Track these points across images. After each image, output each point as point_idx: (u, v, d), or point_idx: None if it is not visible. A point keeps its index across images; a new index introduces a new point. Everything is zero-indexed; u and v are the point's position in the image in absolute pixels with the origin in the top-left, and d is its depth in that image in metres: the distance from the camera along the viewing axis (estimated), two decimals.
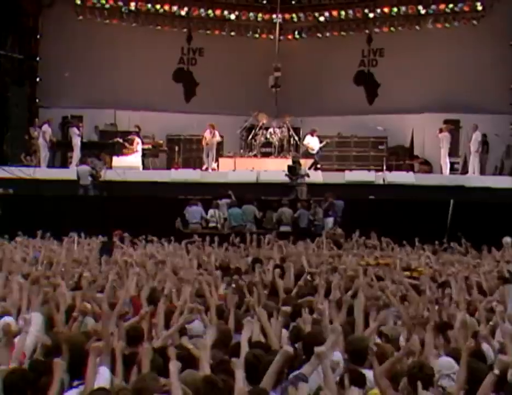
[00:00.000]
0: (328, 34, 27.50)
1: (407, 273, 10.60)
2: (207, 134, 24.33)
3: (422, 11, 25.87)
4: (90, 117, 25.67)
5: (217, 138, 24.45)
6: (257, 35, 28.11)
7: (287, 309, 6.96)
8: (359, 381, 5.46)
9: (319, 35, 27.64)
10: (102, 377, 5.41)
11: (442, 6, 25.64)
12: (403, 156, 25.74)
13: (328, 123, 25.63)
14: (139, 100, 25.68)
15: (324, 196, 19.65)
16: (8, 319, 6.89)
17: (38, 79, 25.56)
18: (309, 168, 22.85)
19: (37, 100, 25.58)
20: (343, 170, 23.80)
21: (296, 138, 25.05)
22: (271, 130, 24.70)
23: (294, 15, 27.74)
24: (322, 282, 8.80)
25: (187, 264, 11.48)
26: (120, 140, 24.00)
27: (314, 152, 24.22)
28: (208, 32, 27.60)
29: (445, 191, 21.08)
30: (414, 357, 5.99)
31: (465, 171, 24.18)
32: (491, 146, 24.27)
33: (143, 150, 24.23)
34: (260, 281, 9.16)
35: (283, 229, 18.88)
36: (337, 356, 6.05)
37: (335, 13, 26.93)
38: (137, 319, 7.05)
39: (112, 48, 25.98)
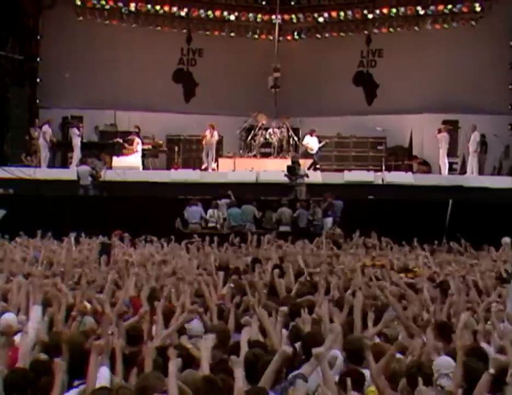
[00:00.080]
0: (327, 35, 27.52)
1: (402, 275, 10.63)
2: (207, 134, 24.41)
3: (421, 12, 25.86)
4: (90, 117, 25.71)
5: (216, 138, 24.51)
6: (256, 36, 28.13)
7: (285, 309, 6.98)
8: (358, 381, 5.47)
9: (319, 36, 27.66)
10: (103, 376, 5.44)
11: (441, 7, 25.63)
12: (401, 156, 25.77)
13: (327, 124, 25.65)
14: (139, 100, 25.71)
15: (323, 196, 19.69)
16: (9, 316, 6.95)
17: (38, 80, 25.57)
18: (309, 168, 22.88)
19: (37, 101, 25.60)
20: (342, 170, 23.81)
21: (296, 138, 25.08)
22: (270, 130, 24.72)
23: (293, 16, 27.76)
24: (322, 282, 8.83)
25: (186, 264, 11.52)
26: (120, 141, 24.05)
27: (314, 152, 24.26)
28: (208, 32, 27.60)
29: (444, 191, 21.12)
30: (412, 356, 6.05)
31: (463, 171, 24.22)
32: (489, 146, 24.31)
33: (143, 150, 24.26)
34: (259, 281, 9.21)
35: (283, 229, 18.92)
36: (336, 353, 6.09)
37: (334, 14, 26.94)
38: (136, 319, 7.12)
39: (112, 48, 25.99)
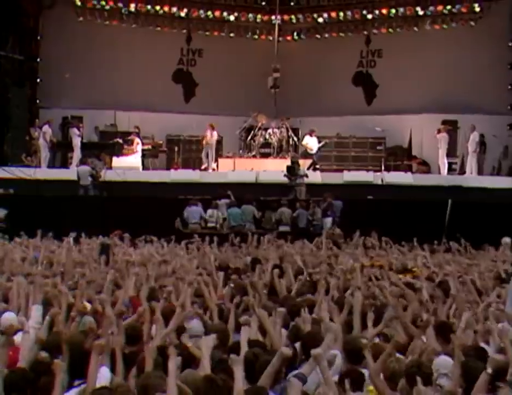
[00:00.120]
0: (326, 35, 27.56)
1: (401, 275, 10.65)
2: (207, 134, 24.45)
3: (420, 13, 25.87)
4: (90, 117, 25.74)
5: (215, 138, 24.55)
6: (256, 37, 28.16)
7: (282, 310, 6.97)
8: (358, 381, 5.48)
9: (318, 36, 27.69)
10: (103, 376, 5.45)
11: (440, 8, 25.63)
12: (401, 157, 25.80)
13: (326, 124, 25.67)
14: (139, 100, 25.74)
15: (323, 196, 19.72)
16: (9, 315, 6.98)
17: (38, 80, 25.59)
18: (308, 169, 22.89)
19: (37, 101, 25.62)
20: (341, 170, 23.86)
21: (295, 139, 25.12)
22: (270, 130, 24.77)
23: (292, 16, 27.81)
24: (322, 281, 8.85)
25: (186, 264, 11.55)
26: (120, 141, 24.09)
27: (313, 152, 24.28)
28: (207, 33, 27.63)
29: (443, 191, 21.15)
30: (413, 356, 6.07)
31: (462, 171, 24.25)
32: (488, 146, 24.36)
33: (143, 150, 24.27)
34: (259, 280, 9.24)
35: (282, 229, 18.96)
36: (336, 352, 6.09)
37: (333, 14, 26.98)
38: (135, 317, 7.14)
39: (112, 49, 26.02)
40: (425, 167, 25.41)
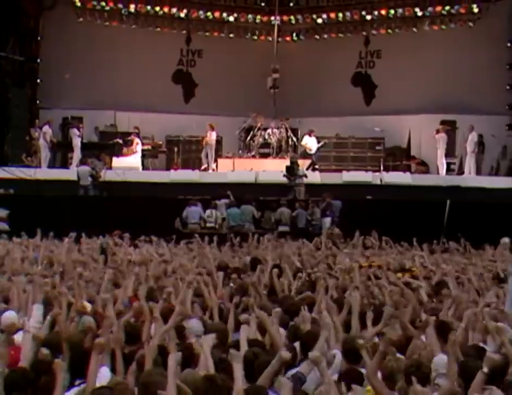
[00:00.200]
0: (325, 36, 27.57)
1: (399, 275, 10.68)
2: (207, 135, 24.50)
3: (419, 13, 25.88)
4: (90, 118, 25.78)
5: (214, 138, 24.59)
6: (255, 37, 28.19)
7: (278, 310, 6.99)
8: (357, 380, 5.49)
9: (317, 37, 27.72)
10: (103, 376, 5.48)
11: (439, 8, 25.65)
12: (400, 157, 25.82)
13: (325, 124, 25.72)
14: (139, 101, 25.77)
15: (322, 196, 19.75)
16: (10, 314, 7.02)
17: (38, 81, 25.64)
18: (307, 169, 22.90)
19: (38, 101, 25.67)
20: (340, 170, 23.89)
21: (294, 139, 25.14)
22: (269, 131, 24.78)
23: (292, 17, 27.81)
24: (321, 281, 8.87)
25: (186, 264, 11.58)
26: (120, 141, 24.13)
27: (312, 152, 24.32)
28: (207, 33, 27.65)
29: (442, 191, 21.18)
30: (412, 355, 6.10)
31: (461, 171, 24.28)
32: (487, 146, 24.38)
33: (142, 150, 24.30)
34: (259, 280, 9.28)
35: (282, 229, 18.99)
36: (335, 352, 6.15)
37: (332, 15, 26.99)
38: (131, 314, 7.17)
39: (112, 49, 26.05)
40: (424, 167, 25.45)
